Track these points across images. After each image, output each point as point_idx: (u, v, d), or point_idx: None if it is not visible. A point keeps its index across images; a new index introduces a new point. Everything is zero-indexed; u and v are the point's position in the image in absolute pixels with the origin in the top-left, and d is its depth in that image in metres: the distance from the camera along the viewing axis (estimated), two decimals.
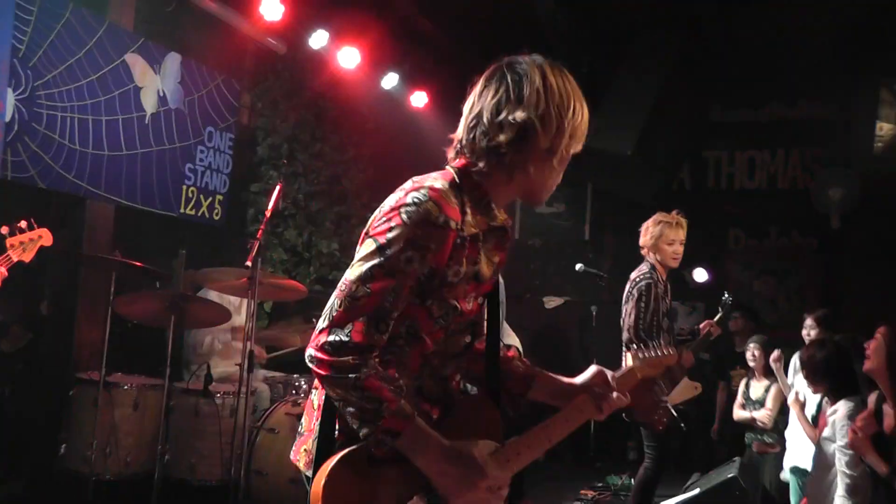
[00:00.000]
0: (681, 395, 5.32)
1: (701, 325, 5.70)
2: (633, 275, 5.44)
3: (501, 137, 2.09)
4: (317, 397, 2.18)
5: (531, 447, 2.27)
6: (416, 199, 2.02)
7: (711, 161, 9.57)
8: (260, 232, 4.99)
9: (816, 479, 4.45)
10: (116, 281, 4.98)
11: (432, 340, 2.14)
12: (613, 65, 8.58)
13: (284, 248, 7.87)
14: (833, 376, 4.40)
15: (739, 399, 6.47)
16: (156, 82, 6.54)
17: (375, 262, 1.99)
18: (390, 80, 8.10)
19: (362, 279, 1.98)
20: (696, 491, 5.69)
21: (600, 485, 7.42)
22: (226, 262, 5.59)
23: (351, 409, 1.96)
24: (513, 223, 2.43)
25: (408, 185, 2.08)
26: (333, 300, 1.99)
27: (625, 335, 5.27)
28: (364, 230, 2.09)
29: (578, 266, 7.62)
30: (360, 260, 2.01)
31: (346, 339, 1.94)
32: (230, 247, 6.61)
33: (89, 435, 4.94)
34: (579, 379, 2.45)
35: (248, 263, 4.79)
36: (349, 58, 7.36)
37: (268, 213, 5.20)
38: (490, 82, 2.16)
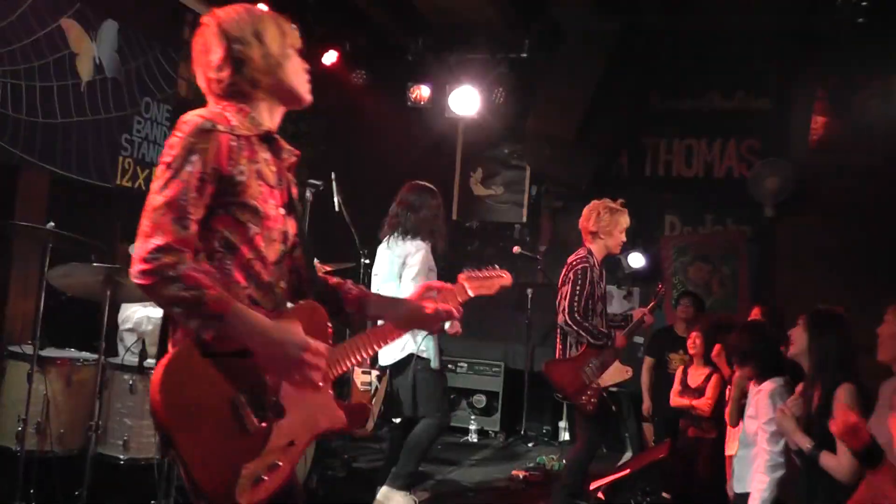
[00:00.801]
0: (612, 378, 5.37)
1: (634, 311, 5.82)
2: (570, 258, 5.51)
3: (224, 74, 2.40)
4: None
5: (358, 348, 2.58)
6: (185, 120, 2.28)
7: (650, 148, 9.57)
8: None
9: (740, 457, 4.58)
10: (51, 252, 4.81)
11: (248, 248, 2.33)
12: (553, 49, 8.60)
13: None
14: (758, 358, 4.50)
15: (676, 385, 6.41)
16: (92, 49, 6.40)
17: (168, 175, 2.22)
18: (331, 57, 8.22)
19: (158, 192, 2.21)
20: (628, 471, 5.80)
21: (532, 465, 7.42)
22: None
23: (178, 309, 2.13)
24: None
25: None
26: (142, 220, 2.19)
27: (559, 318, 5.34)
28: None
29: (515, 249, 7.75)
30: (154, 181, 2.26)
31: (157, 242, 2.14)
32: None
33: (20, 410, 4.78)
34: (410, 295, 2.81)
35: None
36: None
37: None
38: (198, 46, 2.47)
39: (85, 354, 5.32)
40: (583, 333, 5.26)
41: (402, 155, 9.28)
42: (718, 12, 8.26)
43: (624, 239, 5.60)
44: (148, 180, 7.03)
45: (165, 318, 2.35)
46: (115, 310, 5.70)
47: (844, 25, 7.33)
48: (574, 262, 5.44)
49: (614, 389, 6.49)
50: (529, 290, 8.77)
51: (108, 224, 6.56)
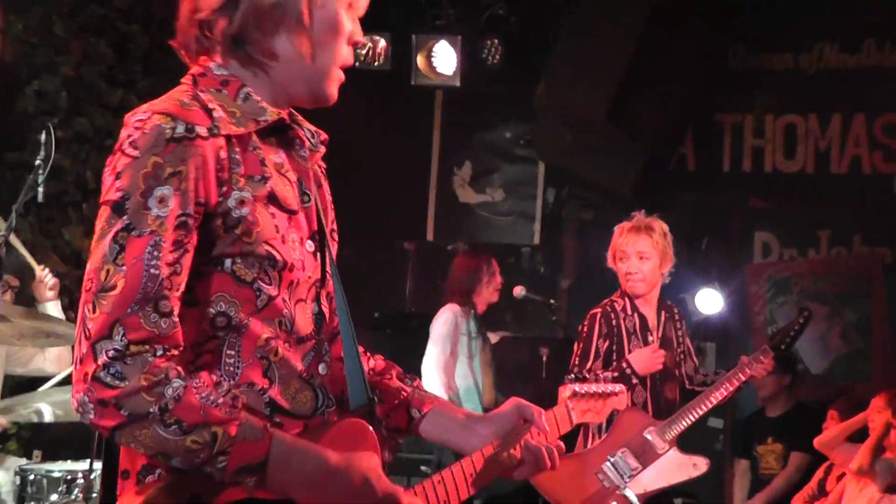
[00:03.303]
0: (663, 479, 5.23)
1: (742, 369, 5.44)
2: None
3: (214, 3, 2.16)
4: None
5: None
6: (137, 123, 2.00)
7: (729, 129, 9.06)
8: (6, 232, 4.69)
9: None
10: None
11: (263, 322, 2.08)
12: None
13: (62, 256, 7.44)
14: None
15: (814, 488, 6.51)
16: None
17: (117, 227, 1.94)
18: None
19: (108, 258, 1.93)
20: None
21: None
22: None
23: (177, 459, 1.90)
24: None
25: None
26: (83, 311, 1.92)
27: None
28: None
29: (517, 290, 7.35)
30: (95, 239, 1.97)
31: (121, 346, 1.87)
32: None
33: None
34: (494, 413, 2.53)
35: None
36: None
37: (17, 205, 4.85)
38: None
39: None
40: None
41: (348, 143, 8.78)
42: None
43: (630, 274, 5.47)
44: None
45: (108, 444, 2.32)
46: None
47: None
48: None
49: (678, 501, 6.59)
50: (543, 351, 7.90)
51: None
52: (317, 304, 2.25)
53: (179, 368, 1.94)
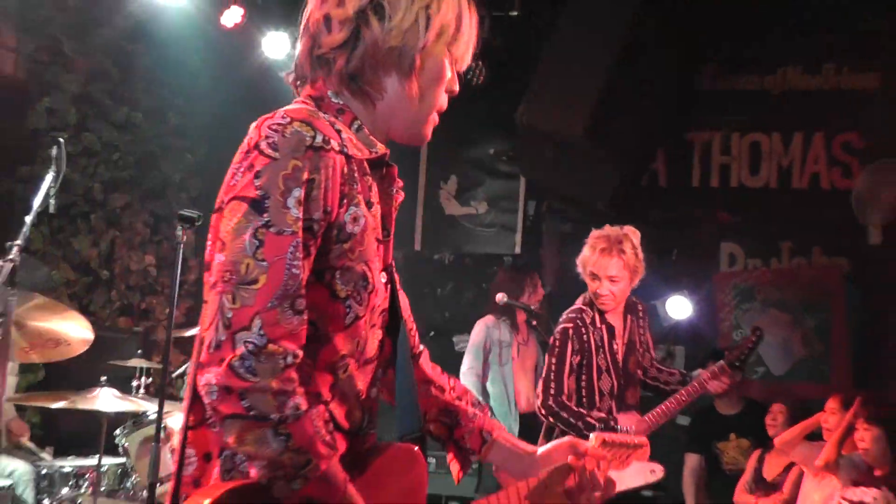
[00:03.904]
0: (625, 484, 4.91)
1: (702, 373, 5.57)
2: (565, 313, 5.50)
3: (335, 42, 2.20)
4: None
5: None
6: (275, 127, 2.00)
7: (698, 147, 9.24)
8: (14, 251, 4.34)
9: None
10: None
11: (345, 338, 2.11)
12: (558, 5, 8.12)
13: (72, 265, 7.62)
14: None
15: (745, 477, 6.59)
16: None
17: (258, 223, 1.93)
18: (233, 16, 7.50)
19: (248, 252, 1.92)
20: None
21: None
22: None
23: (262, 462, 1.89)
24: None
25: (252, 128, 2.06)
26: (221, 299, 1.91)
27: (535, 401, 5.36)
28: (216, 207, 2.05)
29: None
30: (232, 231, 1.94)
31: (259, 342, 1.87)
32: None
33: None
34: (544, 450, 2.54)
35: None
36: None
37: (30, 217, 4.56)
38: None
39: None
40: (563, 427, 5.13)
41: None
42: None
43: (601, 295, 5.43)
44: None
45: (188, 427, 2.11)
46: None
47: None
48: (563, 320, 5.48)
49: (648, 494, 7.03)
50: None
51: None
52: (382, 331, 2.28)
53: (302, 388, 1.97)
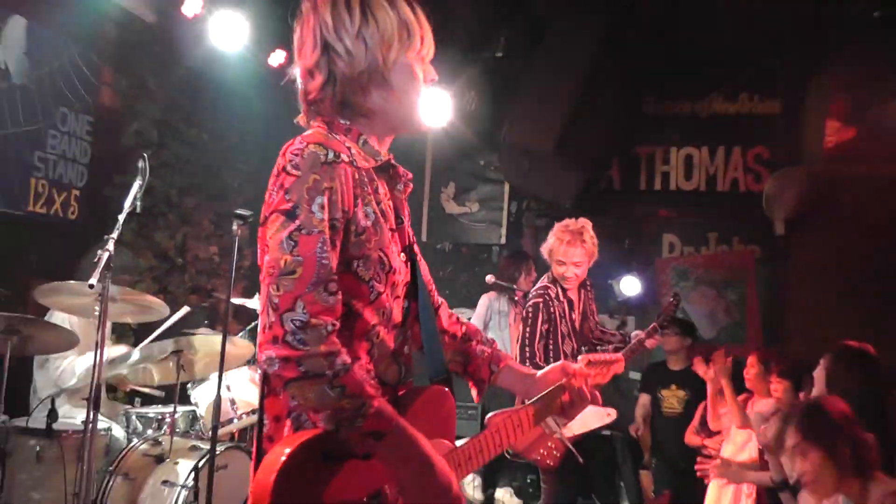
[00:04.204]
0: (586, 425, 5.24)
1: (635, 334, 5.76)
2: (533, 289, 5.56)
3: (318, 85, 2.25)
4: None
5: (482, 452, 2.41)
6: (296, 151, 2.09)
7: (644, 158, 9.47)
8: (111, 243, 4.43)
9: None
10: None
11: (372, 312, 2.18)
12: (532, 47, 8.43)
13: (154, 253, 7.71)
14: None
15: (695, 422, 6.42)
16: None
17: (291, 228, 2.02)
18: (278, 57, 7.69)
19: (285, 251, 2.00)
20: None
21: None
22: (84, 272, 4.90)
23: (326, 412, 1.97)
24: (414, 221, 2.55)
25: (280, 156, 2.15)
26: (268, 290, 1.99)
27: None
28: (261, 220, 2.14)
29: (489, 278, 7.56)
30: (273, 237, 2.04)
31: (304, 318, 1.95)
32: (90, 252, 5.97)
33: None
34: (541, 373, 2.62)
35: (93, 282, 4.09)
36: (230, 30, 6.82)
37: (122, 215, 4.69)
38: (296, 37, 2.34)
39: None
40: None
41: None
42: (720, 3, 8.14)
43: (566, 277, 5.52)
44: (66, 206, 6.81)
45: (262, 398, 2.20)
46: (30, 363, 5.53)
47: (862, 18, 7.34)
48: (532, 294, 5.53)
49: (607, 433, 7.03)
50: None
51: (19, 259, 6.35)
52: (406, 300, 2.33)
53: (345, 349, 2.03)
